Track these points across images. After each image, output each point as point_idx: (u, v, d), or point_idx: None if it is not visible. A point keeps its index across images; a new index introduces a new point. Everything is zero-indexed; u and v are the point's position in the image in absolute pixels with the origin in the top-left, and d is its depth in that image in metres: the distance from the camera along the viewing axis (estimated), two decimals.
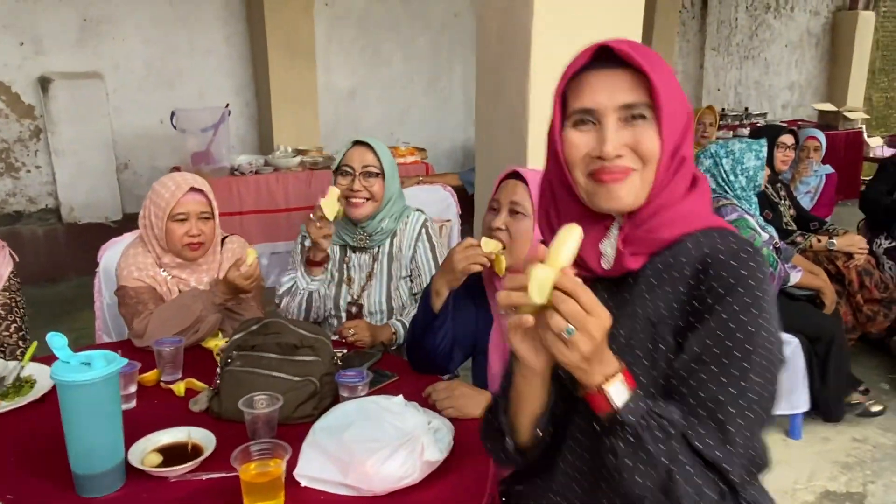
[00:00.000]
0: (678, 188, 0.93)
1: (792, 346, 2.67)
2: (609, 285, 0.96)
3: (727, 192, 2.76)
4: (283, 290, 1.89)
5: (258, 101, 5.06)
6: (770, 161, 3.24)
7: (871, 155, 6.80)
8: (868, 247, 3.07)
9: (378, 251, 1.94)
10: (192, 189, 1.76)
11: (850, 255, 3.02)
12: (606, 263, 0.95)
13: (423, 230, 1.92)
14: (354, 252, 1.95)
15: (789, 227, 3.20)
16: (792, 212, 3.30)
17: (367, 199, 1.84)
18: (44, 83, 4.30)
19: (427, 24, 5.68)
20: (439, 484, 1.15)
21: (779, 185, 3.33)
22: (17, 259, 1.88)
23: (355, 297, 1.92)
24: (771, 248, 2.78)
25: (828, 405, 2.75)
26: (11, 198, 4.42)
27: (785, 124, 5.48)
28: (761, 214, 3.06)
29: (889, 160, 3.75)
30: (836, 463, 2.63)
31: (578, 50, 0.92)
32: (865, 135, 7.22)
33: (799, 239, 3.08)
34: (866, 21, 8.21)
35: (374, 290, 1.92)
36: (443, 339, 1.55)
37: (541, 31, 1.79)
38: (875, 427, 2.87)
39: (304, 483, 1.13)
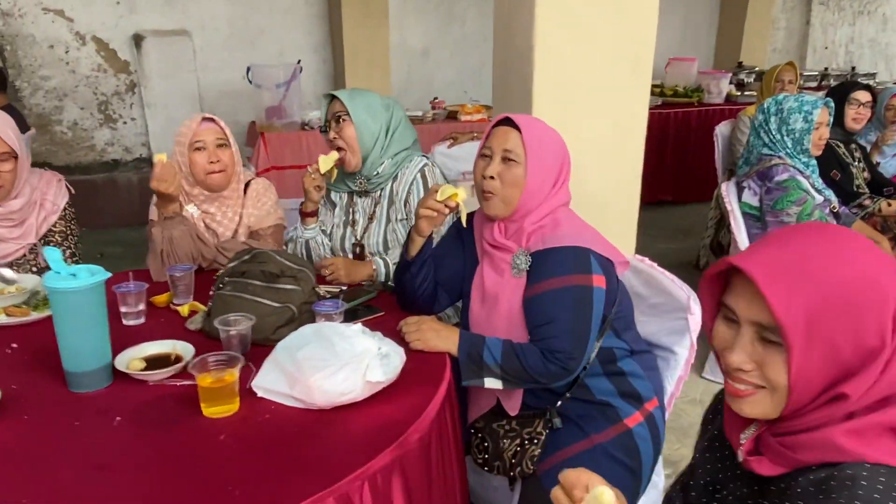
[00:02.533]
0: None
1: None
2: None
3: (778, 150, 2.61)
4: (287, 237, 2.02)
5: (334, 58, 5.21)
6: (841, 119, 3.02)
7: None
8: None
9: (380, 195, 2.00)
10: (206, 119, 1.91)
11: None
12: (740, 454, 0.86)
13: (420, 174, 1.95)
14: (360, 197, 2.03)
15: (861, 191, 2.98)
16: (866, 174, 3.06)
17: (344, 150, 1.91)
18: (137, 40, 4.64)
19: None
20: (382, 403, 1.22)
21: (853, 145, 3.09)
22: (73, 191, 2.09)
23: (358, 237, 2.00)
24: (827, 211, 2.62)
25: None
26: (110, 147, 4.84)
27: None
28: (829, 175, 2.88)
29: None
30: None
31: None
32: None
33: (867, 202, 2.87)
34: None
35: (373, 231, 2.00)
36: (423, 283, 1.60)
37: None
38: None
39: (259, 393, 1.24)
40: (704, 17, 6.38)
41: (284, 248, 2.00)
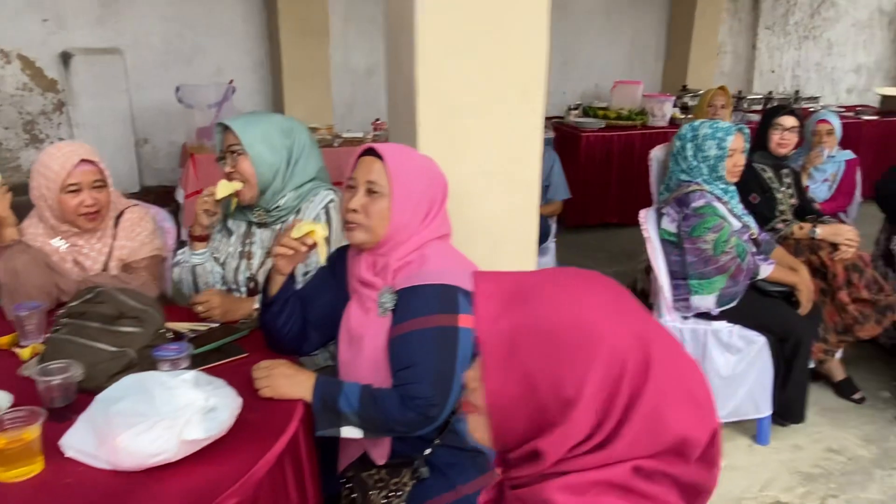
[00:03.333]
0: None
1: (758, 345, 2.48)
2: None
3: (695, 177, 2.57)
4: (174, 261, 1.89)
5: (273, 78, 5.12)
6: (766, 143, 3.00)
7: None
8: (859, 240, 2.78)
9: (280, 228, 1.90)
10: (84, 161, 1.77)
11: (836, 247, 2.76)
12: None
13: (324, 212, 1.86)
14: (259, 228, 1.93)
15: (784, 217, 2.95)
16: (794, 200, 3.03)
17: (242, 181, 1.79)
18: (65, 58, 4.49)
19: None
20: (204, 463, 1.11)
21: (785, 170, 3.07)
22: None
23: (253, 271, 1.89)
24: (745, 238, 2.58)
25: (787, 405, 2.54)
26: None
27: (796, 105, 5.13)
28: (747, 198, 2.85)
29: None
30: (800, 473, 2.43)
31: None
32: None
33: (780, 225, 2.83)
34: None
35: (270, 266, 1.89)
36: (286, 323, 1.50)
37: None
38: (858, 438, 2.64)
39: (68, 453, 1.12)
40: (652, 40, 6.43)
41: (166, 277, 1.89)
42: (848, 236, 2.75)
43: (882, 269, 3.37)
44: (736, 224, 2.55)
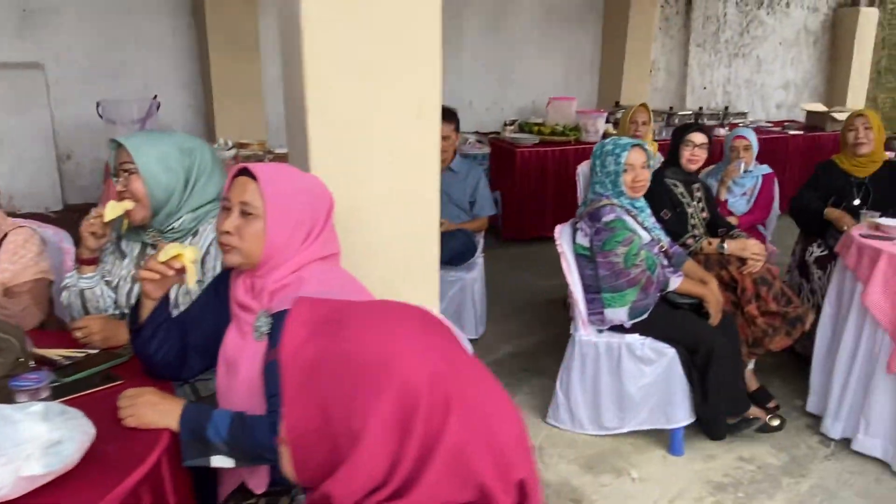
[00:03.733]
0: None
1: (668, 357, 2.52)
2: None
3: (606, 191, 2.62)
4: (62, 285, 1.82)
5: (204, 94, 5.03)
6: (677, 159, 3.07)
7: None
8: (765, 254, 2.86)
9: None
10: None
11: (744, 261, 2.83)
12: None
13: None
14: (154, 250, 1.86)
15: (696, 231, 3.02)
16: (705, 214, 3.10)
17: (134, 200, 1.74)
18: None
19: None
20: (42, 501, 1.06)
21: (696, 184, 3.14)
22: None
23: None
24: (656, 250, 2.63)
25: (707, 421, 2.58)
26: None
27: (701, 121, 5.27)
28: (659, 214, 2.90)
29: (820, 166, 3.53)
30: (710, 483, 2.46)
31: None
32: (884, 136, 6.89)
33: (690, 241, 2.90)
34: (868, 18, 7.84)
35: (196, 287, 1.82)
36: (160, 349, 1.46)
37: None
38: (769, 446, 2.70)
39: None
40: (587, 57, 6.56)
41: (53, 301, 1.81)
42: (754, 251, 2.83)
43: (797, 279, 3.49)
44: (646, 237, 2.60)
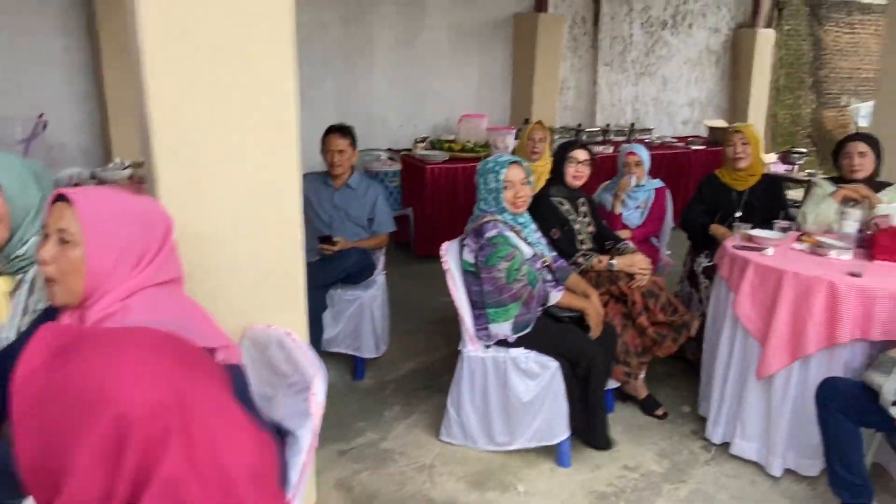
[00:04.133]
0: None
1: (552, 370, 2.55)
2: None
3: (490, 207, 2.65)
4: None
5: (100, 111, 4.85)
6: (562, 176, 3.14)
7: (769, 171, 6.82)
8: (651, 268, 2.96)
9: (21, 279, 1.75)
10: None
11: (633, 276, 2.92)
12: None
13: None
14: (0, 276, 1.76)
15: (584, 246, 3.09)
16: (591, 229, 3.18)
17: None
18: None
19: None
20: None
21: (581, 199, 3.21)
22: None
23: None
24: (538, 265, 2.67)
25: (588, 432, 2.63)
26: None
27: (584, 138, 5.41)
28: (548, 234, 2.96)
29: (704, 180, 3.68)
30: (593, 493, 2.50)
31: None
32: (763, 151, 7.26)
33: (580, 259, 2.96)
34: (766, 38, 8.30)
35: (8, 322, 1.72)
36: None
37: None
38: (654, 454, 2.76)
39: None
40: (498, 76, 6.68)
41: None
42: (641, 266, 2.92)
43: (688, 288, 3.62)
44: (528, 252, 2.63)
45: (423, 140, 5.60)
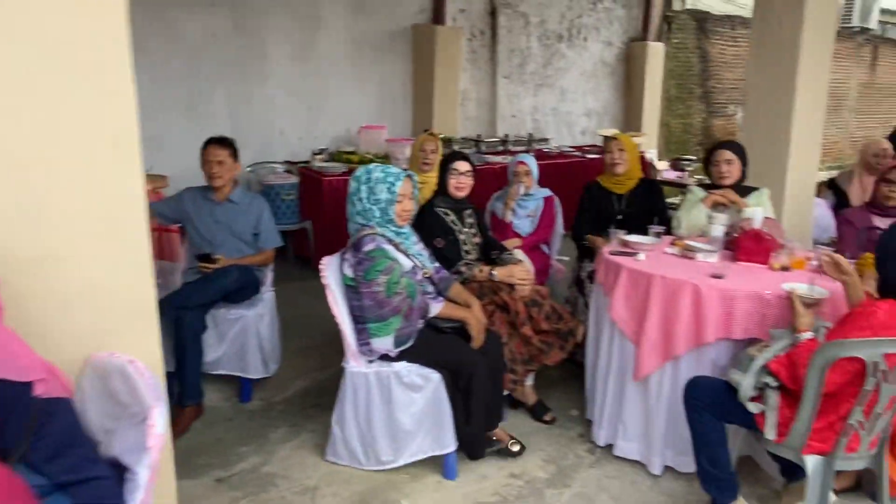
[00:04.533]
0: None
1: (434, 381, 2.53)
2: None
3: (369, 220, 2.61)
4: None
5: None
6: (445, 187, 3.14)
7: (660, 178, 7.12)
8: (532, 278, 3.00)
9: None
10: None
11: (514, 286, 2.95)
12: None
13: None
14: None
15: (470, 256, 3.10)
16: (477, 239, 3.20)
17: None
18: None
19: (180, 45, 5.32)
20: None
21: (468, 210, 3.23)
22: None
23: None
24: (418, 277, 2.64)
25: (468, 443, 2.62)
26: None
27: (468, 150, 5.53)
28: (432, 243, 2.95)
29: (586, 186, 3.79)
30: None
31: None
32: (655, 159, 7.59)
33: (463, 269, 2.97)
34: (656, 51, 8.69)
35: None
36: None
37: None
38: (540, 460, 2.79)
39: None
40: (398, 87, 6.67)
41: None
42: (521, 276, 2.95)
43: (575, 294, 3.70)
44: (407, 264, 2.61)
45: (321, 152, 5.51)
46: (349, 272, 2.60)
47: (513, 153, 6.42)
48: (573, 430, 3.03)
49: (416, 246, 2.73)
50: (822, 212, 4.37)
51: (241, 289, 3.15)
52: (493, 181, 4.95)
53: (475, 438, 2.62)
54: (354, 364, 2.58)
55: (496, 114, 7.46)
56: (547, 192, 4.04)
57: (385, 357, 2.57)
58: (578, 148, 7.26)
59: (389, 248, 2.56)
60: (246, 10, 5.58)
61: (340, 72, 6.24)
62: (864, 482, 2.55)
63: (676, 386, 2.53)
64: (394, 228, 2.63)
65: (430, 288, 2.71)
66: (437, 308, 2.61)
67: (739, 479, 2.36)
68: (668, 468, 2.68)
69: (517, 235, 3.86)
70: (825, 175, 5.05)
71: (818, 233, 4.22)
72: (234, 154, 3.28)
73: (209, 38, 5.46)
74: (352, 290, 2.61)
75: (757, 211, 2.95)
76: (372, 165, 2.70)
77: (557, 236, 4.16)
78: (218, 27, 5.48)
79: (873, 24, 12.43)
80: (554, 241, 4.16)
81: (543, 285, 4.10)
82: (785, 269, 2.69)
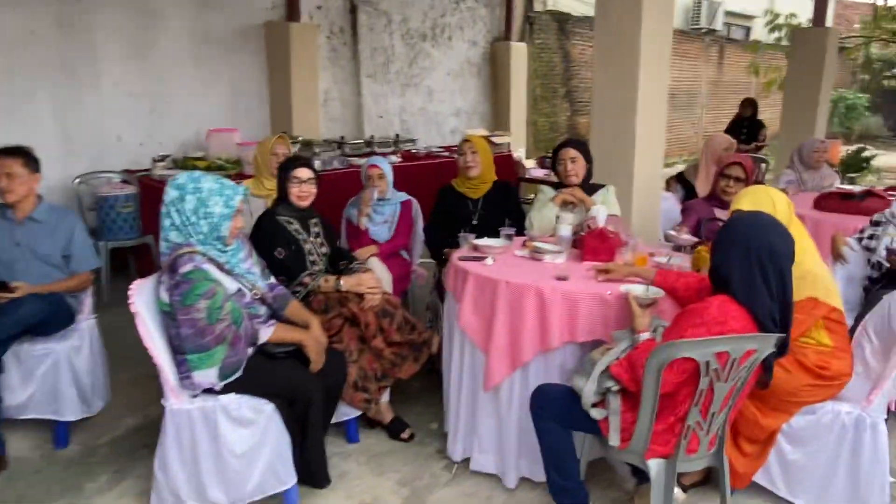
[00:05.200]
0: None
1: (267, 413, 2.29)
2: None
3: (189, 236, 2.31)
4: None
5: None
6: (286, 195, 2.90)
7: (528, 176, 7.17)
8: (380, 287, 2.82)
9: None
10: None
11: (363, 297, 2.76)
12: None
13: None
14: None
15: (316, 267, 2.88)
16: (325, 249, 2.98)
17: None
18: None
19: None
20: None
21: (314, 219, 3.00)
22: None
23: None
24: (246, 300, 2.39)
25: (308, 471, 2.40)
26: None
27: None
28: (273, 253, 2.70)
29: (440, 190, 3.67)
30: None
31: None
32: (523, 157, 7.64)
33: (307, 279, 2.75)
34: (520, 51, 8.81)
35: None
36: None
37: None
38: (394, 483, 2.62)
39: None
40: (253, 87, 6.29)
41: None
42: (370, 285, 2.76)
43: (436, 300, 3.56)
44: (232, 287, 2.34)
45: (163, 159, 5.05)
46: (165, 296, 2.30)
47: (380, 155, 6.23)
48: (431, 446, 2.88)
49: (245, 263, 2.47)
50: (670, 205, 4.51)
51: (48, 320, 2.75)
52: (357, 185, 4.74)
53: (318, 466, 2.40)
54: (175, 401, 2.28)
55: (362, 115, 7.25)
56: (404, 196, 3.88)
57: (210, 390, 2.30)
58: (447, 148, 7.17)
59: (210, 268, 2.28)
60: (69, 4, 5.02)
61: (186, 71, 5.79)
62: (713, 475, 2.57)
63: (526, 394, 2.43)
64: (220, 247, 2.35)
65: (262, 310, 2.46)
66: (267, 333, 2.37)
67: (588, 487, 2.30)
68: (524, 479, 2.59)
69: (374, 242, 3.68)
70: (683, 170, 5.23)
71: (668, 226, 4.35)
72: (31, 164, 2.85)
73: (27, 34, 4.85)
74: (169, 316, 2.30)
75: (600, 209, 2.93)
76: (198, 173, 2.41)
77: (418, 241, 4.01)
78: (35, 23, 4.89)
79: (719, 25, 13.37)
80: (415, 246, 4.02)
81: (407, 292, 3.97)
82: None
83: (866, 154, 10.51)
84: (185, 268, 2.24)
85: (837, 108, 15.62)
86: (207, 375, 2.26)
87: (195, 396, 2.31)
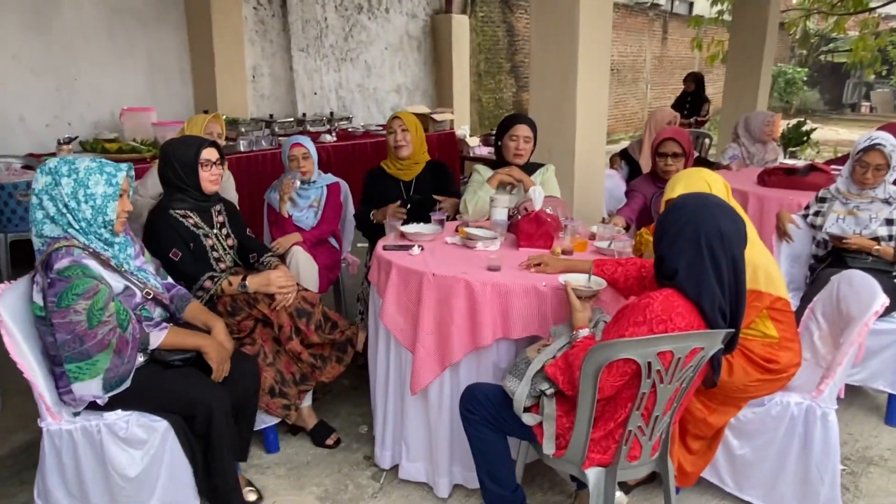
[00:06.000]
0: None
1: (160, 431, 2.00)
2: None
3: (66, 227, 1.99)
4: None
5: None
6: (196, 182, 2.54)
7: (472, 154, 6.91)
8: (291, 285, 2.52)
9: None
10: None
11: (274, 297, 2.47)
12: None
13: None
14: None
15: (222, 264, 2.57)
16: (231, 241, 2.66)
17: None
18: None
19: None
20: None
21: (217, 206, 2.67)
22: None
23: None
24: (137, 300, 2.08)
25: (218, 494, 2.14)
26: None
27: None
28: (169, 256, 2.39)
29: (369, 173, 3.39)
30: None
31: None
32: (467, 135, 7.38)
33: (208, 283, 2.43)
34: (461, 24, 8.50)
35: None
36: None
37: None
38: (313, 497, 2.37)
39: None
40: (174, 63, 5.85)
41: None
42: (280, 284, 2.46)
43: (367, 290, 3.30)
44: (119, 285, 2.03)
45: (70, 141, 4.61)
46: (39, 299, 1.98)
47: (313, 134, 5.88)
48: (359, 452, 2.65)
49: (136, 261, 2.16)
50: (615, 183, 4.35)
51: None
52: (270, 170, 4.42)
53: (227, 490, 2.13)
54: (52, 420, 1.98)
55: (295, 91, 6.86)
56: (331, 178, 3.59)
57: (94, 405, 2.00)
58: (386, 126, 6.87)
59: (92, 263, 1.97)
60: None
61: (97, 45, 5.31)
62: (658, 473, 2.41)
63: (457, 396, 2.21)
64: (105, 236, 2.03)
65: (156, 312, 2.16)
66: (158, 338, 2.07)
67: (526, 490, 2.10)
68: (457, 486, 2.38)
69: (298, 230, 3.38)
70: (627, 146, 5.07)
71: (613, 204, 4.18)
72: None
73: None
74: (44, 322, 1.99)
75: (537, 190, 2.70)
76: (71, 156, 2.07)
77: (349, 227, 3.74)
78: None
79: None
80: (345, 232, 3.74)
81: (337, 282, 3.69)
82: (566, 253, 2.46)
83: (806, 128, 10.64)
84: (61, 263, 1.92)
85: (777, 82, 15.86)
86: (89, 387, 1.95)
87: (77, 414, 2.01)
